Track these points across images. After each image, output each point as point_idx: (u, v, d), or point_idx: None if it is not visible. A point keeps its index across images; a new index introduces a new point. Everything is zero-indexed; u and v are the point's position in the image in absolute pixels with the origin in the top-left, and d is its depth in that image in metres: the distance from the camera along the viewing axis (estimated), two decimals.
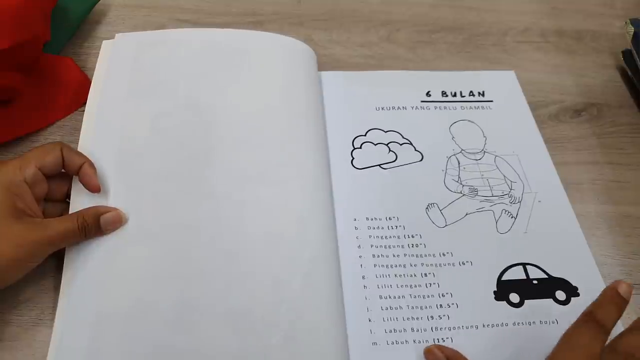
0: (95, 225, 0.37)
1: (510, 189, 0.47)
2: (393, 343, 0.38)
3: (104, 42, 0.49)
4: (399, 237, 0.43)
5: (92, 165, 0.39)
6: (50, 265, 0.39)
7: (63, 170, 0.39)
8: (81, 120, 0.44)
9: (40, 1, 0.45)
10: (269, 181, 0.42)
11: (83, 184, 0.39)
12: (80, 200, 0.39)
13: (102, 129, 0.43)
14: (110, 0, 0.56)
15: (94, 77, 0.46)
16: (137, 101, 0.45)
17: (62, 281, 0.37)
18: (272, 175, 0.42)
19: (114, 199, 0.40)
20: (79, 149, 0.42)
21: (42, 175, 0.37)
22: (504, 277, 0.42)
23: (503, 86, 0.54)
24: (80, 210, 0.38)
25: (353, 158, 0.47)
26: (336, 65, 0.54)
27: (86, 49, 0.52)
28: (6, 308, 0.37)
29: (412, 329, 0.39)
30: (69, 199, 0.40)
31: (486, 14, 0.62)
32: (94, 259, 0.37)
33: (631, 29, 0.56)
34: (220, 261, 0.38)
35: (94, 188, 0.39)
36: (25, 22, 0.43)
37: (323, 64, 0.54)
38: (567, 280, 0.42)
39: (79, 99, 0.48)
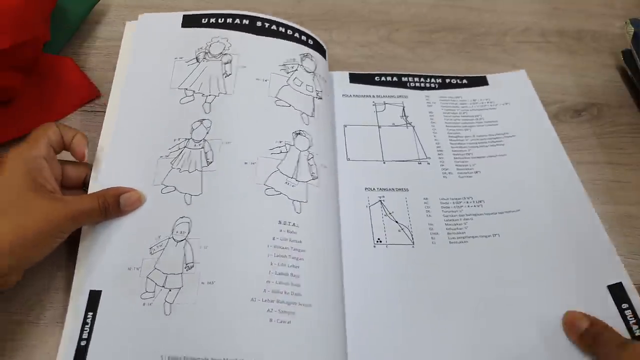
0: (115, 205, 0.37)
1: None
2: None
3: (128, 23, 0.48)
4: None
5: (84, 136, 0.39)
6: (61, 265, 0.39)
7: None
8: (81, 120, 0.44)
9: (41, 2, 0.45)
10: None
11: (73, 153, 0.39)
12: (98, 186, 0.39)
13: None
14: (110, 0, 0.56)
15: (117, 63, 0.45)
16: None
17: (73, 282, 0.36)
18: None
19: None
20: (101, 140, 0.42)
21: (53, 153, 0.37)
22: None
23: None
24: (101, 190, 0.38)
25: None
26: (336, 66, 0.54)
27: (86, 49, 0.52)
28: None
29: None
30: (86, 187, 0.40)
31: (486, 14, 0.62)
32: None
33: (631, 29, 0.55)
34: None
35: (80, 155, 0.38)
36: (25, 23, 0.43)
37: None
38: None
39: (79, 99, 0.48)
